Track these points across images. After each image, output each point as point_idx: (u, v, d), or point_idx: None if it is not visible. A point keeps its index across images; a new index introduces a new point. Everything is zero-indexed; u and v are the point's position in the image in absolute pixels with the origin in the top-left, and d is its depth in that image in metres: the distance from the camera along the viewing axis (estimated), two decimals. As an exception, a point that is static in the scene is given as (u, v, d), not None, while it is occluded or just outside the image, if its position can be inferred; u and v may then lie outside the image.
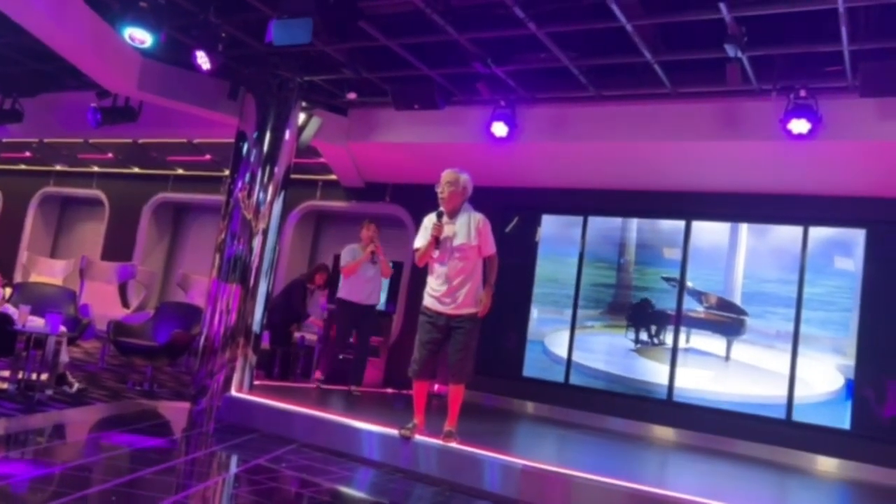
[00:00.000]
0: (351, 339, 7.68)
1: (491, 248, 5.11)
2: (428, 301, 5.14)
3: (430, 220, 5.08)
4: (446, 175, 5.10)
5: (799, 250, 7.51)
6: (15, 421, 5.41)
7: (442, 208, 5.08)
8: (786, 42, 5.98)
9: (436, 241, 4.94)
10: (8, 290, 7.03)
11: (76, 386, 6.68)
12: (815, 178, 7.24)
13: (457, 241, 5.01)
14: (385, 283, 8.40)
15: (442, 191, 5.07)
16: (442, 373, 5.43)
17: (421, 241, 5.10)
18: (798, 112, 6.32)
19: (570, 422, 7.86)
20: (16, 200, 13.79)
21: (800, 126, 6.33)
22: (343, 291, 7.56)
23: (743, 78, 6.19)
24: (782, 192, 7.51)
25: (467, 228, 5.03)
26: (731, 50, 5.63)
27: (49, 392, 6.33)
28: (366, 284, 7.56)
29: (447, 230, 5.02)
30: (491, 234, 5.13)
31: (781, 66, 6.38)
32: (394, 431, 5.34)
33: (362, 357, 7.63)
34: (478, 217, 5.09)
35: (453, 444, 5.01)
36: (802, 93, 6.32)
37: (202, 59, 6.86)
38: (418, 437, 5.20)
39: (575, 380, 8.37)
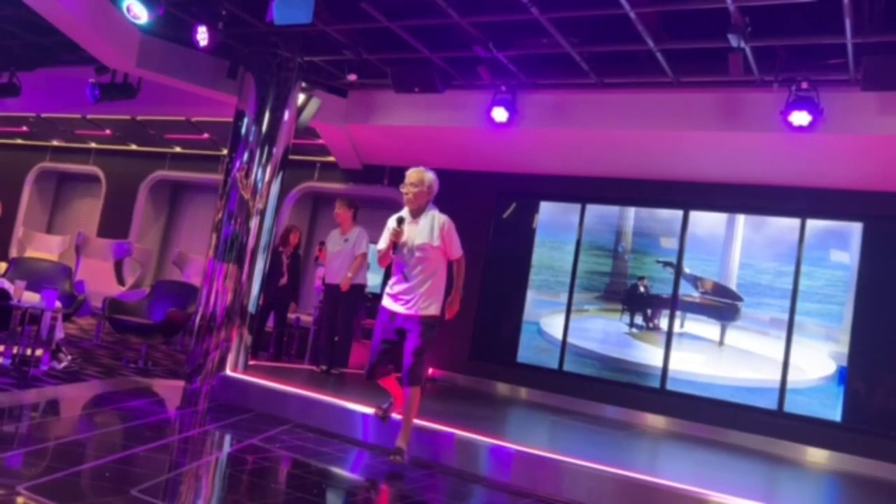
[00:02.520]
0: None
1: (457, 251, 4.93)
2: (385, 300, 4.96)
3: (392, 222, 4.91)
4: (410, 175, 4.92)
5: (795, 242, 7.53)
6: (9, 395, 5.42)
7: (402, 213, 4.94)
8: (789, 33, 5.96)
9: (394, 246, 4.80)
10: (2, 266, 7.01)
11: (64, 363, 6.68)
12: (813, 171, 7.24)
13: (418, 241, 4.83)
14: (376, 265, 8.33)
15: (407, 192, 4.90)
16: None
17: (383, 243, 4.91)
18: (799, 104, 6.31)
19: (564, 408, 7.90)
20: (12, 175, 13.73)
21: (800, 118, 6.32)
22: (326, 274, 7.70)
23: (745, 68, 6.17)
24: (781, 184, 7.52)
25: (430, 229, 4.86)
26: (734, 40, 5.61)
27: (44, 368, 6.34)
28: (332, 262, 7.61)
29: (408, 231, 4.86)
30: (456, 237, 4.94)
31: (784, 57, 6.36)
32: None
33: (343, 338, 7.64)
34: (442, 219, 4.90)
35: (398, 461, 4.66)
36: (804, 85, 6.31)
37: (202, 35, 6.80)
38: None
39: (569, 361, 8.41)
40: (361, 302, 8.00)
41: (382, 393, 5.29)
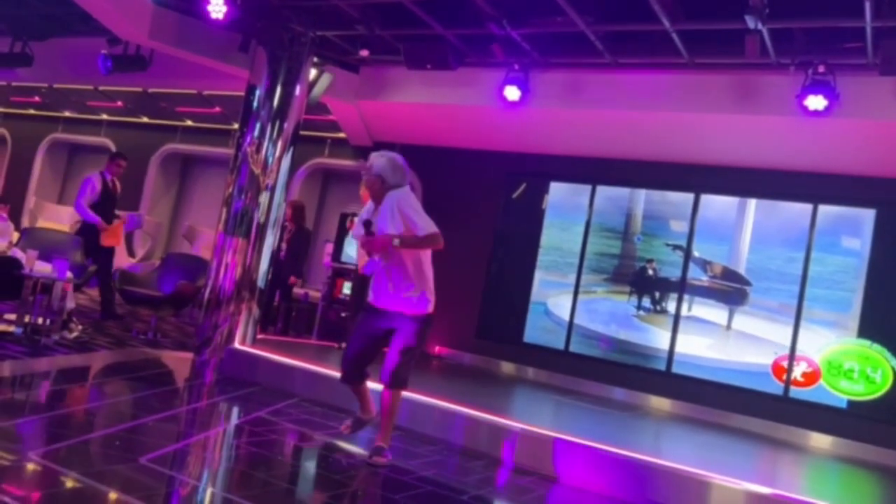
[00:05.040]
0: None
1: (422, 228, 4.20)
2: (370, 296, 4.45)
3: (359, 229, 4.39)
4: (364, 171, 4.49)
5: (807, 228, 7.48)
6: (21, 364, 5.48)
7: (369, 207, 4.48)
8: (807, 15, 5.87)
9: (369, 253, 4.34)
10: (15, 235, 7.08)
11: (75, 333, 6.76)
12: (827, 156, 7.18)
13: (380, 231, 4.30)
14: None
15: (362, 191, 4.49)
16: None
17: (358, 256, 4.47)
18: (815, 88, 6.24)
19: (569, 389, 7.93)
20: (24, 145, 13.77)
21: (816, 102, 6.25)
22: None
23: (761, 51, 6.09)
24: (794, 169, 7.45)
25: (390, 215, 4.28)
26: (751, 21, 5.54)
27: (55, 337, 6.40)
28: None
29: (377, 224, 4.32)
30: (416, 212, 4.25)
31: (801, 40, 6.28)
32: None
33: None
34: (397, 198, 4.30)
35: (381, 462, 4.25)
36: (821, 68, 6.23)
37: (216, 7, 6.73)
38: (410, 394, 5.24)
39: (575, 342, 8.43)
40: None
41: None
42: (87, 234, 7.90)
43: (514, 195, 9.08)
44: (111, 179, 8.10)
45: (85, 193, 7.91)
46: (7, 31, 9.74)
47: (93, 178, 8.03)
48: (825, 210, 7.46)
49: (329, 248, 9.48)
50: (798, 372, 7.29)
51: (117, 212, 8.44)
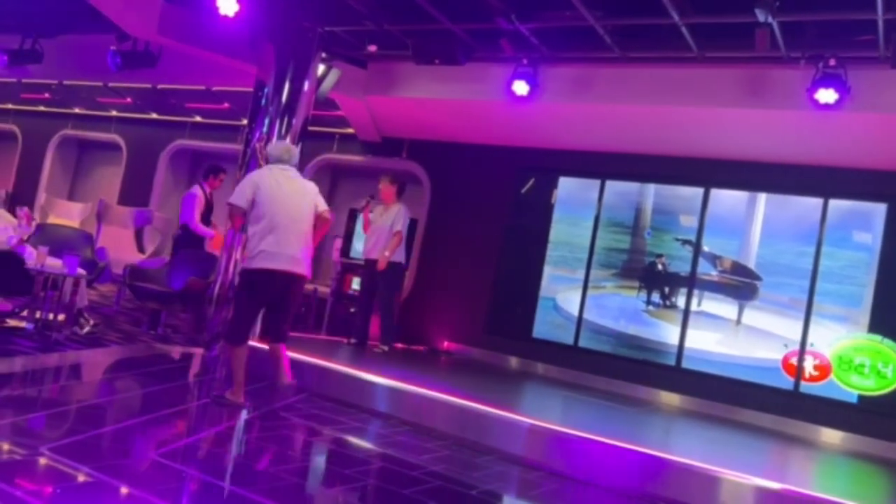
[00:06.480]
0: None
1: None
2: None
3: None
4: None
5: (817, 222, 7.44)
6: (32, 359, 5.52)
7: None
8: (818, 8, 5.84)
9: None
10: (12, 220, 7.11)
11: (87, 328, 6.80)
12: (838, 150, 7.13)
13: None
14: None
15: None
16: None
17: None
18: (826, 82, 6.19)
19: (578, 384, 7.92)
20: (35, 141, 13.84)
21: (827, 96, 6.21)
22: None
23: (772, 44, 6.06)
24: (804, 163, 7.41)
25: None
26: (761, 14, 5.50)
27: (66, 332, 6.44)
28: (370, 237, 7.61)
29: None
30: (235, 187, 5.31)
31: (812, 33, 6.24)
32: (402, 385, 5.45)
33: (385, 315, 7.61)
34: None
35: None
36: (832, 62, 6.19)
37: (227, 4, 6.71)
38: (419, 390, 5.27)
39: (584, 336, 8.42)
40: (401, 280, 7.96)
41: (400, 363, 5.32)
42: (187, 244, 7.93)
43: (523, 190, 9.07)
44: (209, 192, 8.14)
45: (194, 209, 7.88)
46: (17, 29, 9.78)
47: (196, 194, 7.99)
48: (836, 204, 7.41)
49: (338, 243, 9.50)
50: (809, 367, 7.26)
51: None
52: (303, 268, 5.08)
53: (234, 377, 5.05)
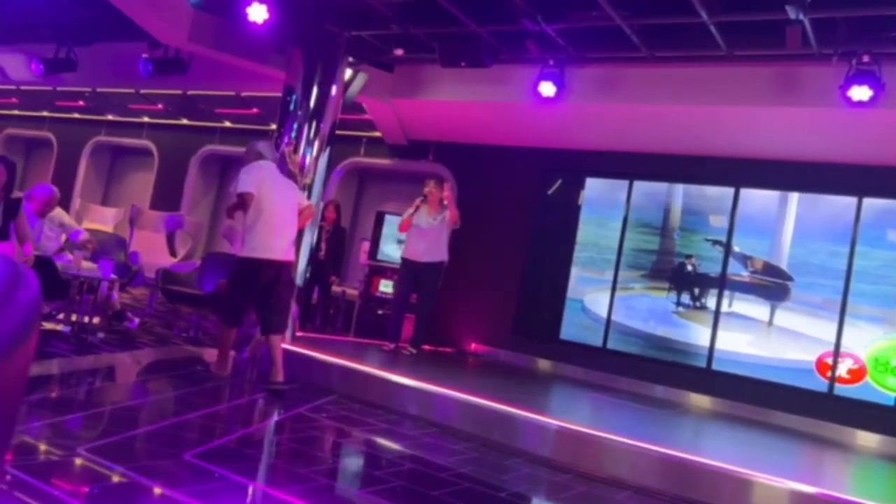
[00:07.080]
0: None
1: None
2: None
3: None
4: None
5: (851, 221, 7.31)
6: (68, 361, 5.64)
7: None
8: (850, 4, 5.73)
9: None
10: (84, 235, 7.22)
11: (136, 320, 7.05)
12: (872, 148, 7.00)
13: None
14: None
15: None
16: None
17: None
18: (859, 78, 6.08)
19: (607, 386, 7.87)
20: (70, 148, 14.13)
21: (861, 93, 6.10)
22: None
23: (803, 41, 5.96)
24: (837, 161, 7.28)
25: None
26: (792, 11, 5.43)
27: (101, 335, 6.57)
28: (418, 241, 7.57)
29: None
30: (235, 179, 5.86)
31: (844, 29, 6.13)
32: (430, 387, 5.46)
33: (420, 316, 7.64)
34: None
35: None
36: (865, 58, 6.08)
37: (257, 11, 6.79)
38: (447, 391, 5.29)
39: (613, 338, 8.36)
40: (440, 279, 7.97)
41: (427, 365, 5.35)
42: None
43: (550, 191, 9.04)
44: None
45: None
46: (52, 38, 10.00)
47: None
48: (870, 203, 7.28)
49: (365, 246, 9.55)
50: (843, 369, 7.13)
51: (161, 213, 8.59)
52: (291, 255, 5.88)
53: (221, 352, 5.85)
